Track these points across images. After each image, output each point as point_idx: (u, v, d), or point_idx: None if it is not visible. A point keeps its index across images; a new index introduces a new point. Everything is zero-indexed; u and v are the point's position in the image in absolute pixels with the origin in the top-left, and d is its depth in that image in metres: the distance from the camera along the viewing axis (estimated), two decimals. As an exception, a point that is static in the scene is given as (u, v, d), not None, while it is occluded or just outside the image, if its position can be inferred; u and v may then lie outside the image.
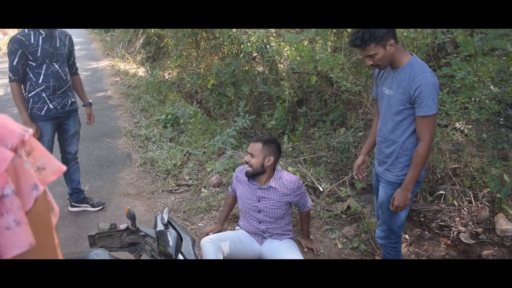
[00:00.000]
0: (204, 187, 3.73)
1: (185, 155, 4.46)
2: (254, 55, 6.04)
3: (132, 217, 2.12)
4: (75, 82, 3.29)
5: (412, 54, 2.10)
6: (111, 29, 13.36)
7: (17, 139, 0.65)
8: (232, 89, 5.84)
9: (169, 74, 8.28)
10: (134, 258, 2.23)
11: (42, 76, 2.92)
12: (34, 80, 2.91)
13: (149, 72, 8.10)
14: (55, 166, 0.75)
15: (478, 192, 3.53)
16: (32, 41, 2.83)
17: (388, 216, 2.30)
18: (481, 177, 3.61)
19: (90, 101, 3.49)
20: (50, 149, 3.10)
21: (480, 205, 3.42)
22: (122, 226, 2.19)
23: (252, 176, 2.56)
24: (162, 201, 3.52)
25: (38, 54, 2.85)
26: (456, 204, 3.49)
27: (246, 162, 2.55)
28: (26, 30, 2.84)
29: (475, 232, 3.26)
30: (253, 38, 4.95)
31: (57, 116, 3.07)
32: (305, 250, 2.80)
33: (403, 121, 2.10)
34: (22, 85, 2.96)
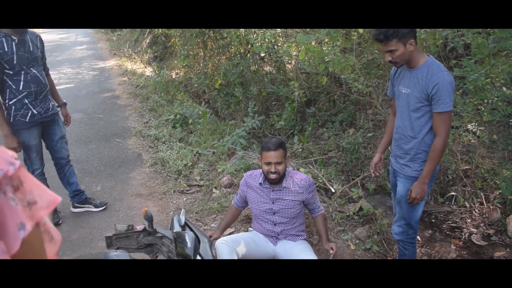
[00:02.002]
0: (215, 187, 3.75)
1: (195, 155, 4.48)
2: (262, 55, 6.06)
3: (149, 218, 2.15)
4: (48, 83, 3.17)
5: (428, 55, 2.19)
6: (118, 29, 13.40)
7: None
8: (240, 89, 5.86)
9: (177, 74, 8.31)
10: (150, 259, 2.26)
11: (22, 83, 2.84)
12: (14, 87, 2.83)
13: (157, 72, 8.13)
14: (47, 198, 0.67)
15: (490, 193, 3.52)
16: (6, 49, 2.72)
17: (407, 210, 2.38)
18: (492, 179, 3.60)
19: (65, 101, 3.41)
20: (40, 153, 3.08)
21: (491, 207, 3.42)
22: (139, 227, 2.21)
23: (279, 182, 2.55)
24: (174, 202, 3.55)
25: (15, 62, 2.77)
26: (467, 205, 3.49)
27: (273, 172, 2.49)
28: None
29: (486, 233, 3.26)
30: (261, 38, 4.96)
31: (42, 121, 3.01)
32: (331, 251, 2.53)
33: (420, 118, 2.21)
34: (1, 94, 2.87)
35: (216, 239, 2.64)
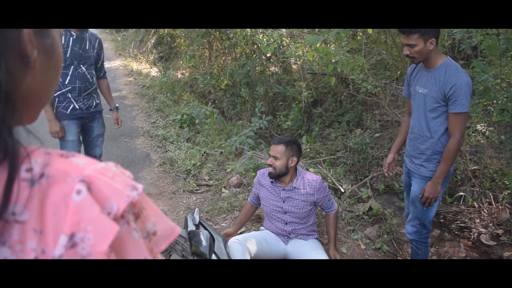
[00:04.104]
0: (224, 187, 3.77)
1: (202, 155, 4.51)
2: (268, 55, 6.08)
3: (164, 217, 2.16)
4: (102, 86, 3.28)
5: (446, 56, 2.21)
6: (123, 30, 13.43)
7: (124, 202, 0.50)
8: (247, 89, 5.88)
9: (182, 74, 8.33)
10: (163, 258, 2.28)
11: (69, 77, 2.92)
12: (60, 80, 2.89)
13: (162, 72, 8.16)
14: (167, 227, 0.58)
15: (498, 193, 3.53)
16: (62, 42, 2.81)
17: (421, 210, 2.40)
18: (500, 179, 3.61)
19: (117, 105, 3.48)
20: (76, 152, 3.09)
21: (500, 207, 3.42)
22: (153, 226, 2.23)
23: (276, 177, 2.58)
24: (184, 201, 3.57)
25: (67, 55, 2.85)
26: (476, 205, 3.50)
27: (270, 165, 2.56)
28: None
29: (495, 233, 3.27)
30: (267, 38, 4.98)
31: (81, 116, 3.06)
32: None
33: (437, 118, 2.22)
34: None
35: (232, 234, 2.69)
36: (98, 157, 3.34)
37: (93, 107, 3.13)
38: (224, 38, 6.74)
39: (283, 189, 2.60)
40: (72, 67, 2.91)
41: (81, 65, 2.96)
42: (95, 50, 3.08)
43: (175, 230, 0.58)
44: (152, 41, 10.43)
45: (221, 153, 4.52)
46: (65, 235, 0.46)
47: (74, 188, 0.48)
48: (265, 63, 6.21)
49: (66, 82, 2.93)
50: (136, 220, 0.53)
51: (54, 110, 2.98)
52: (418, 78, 2.30)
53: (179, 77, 8.10)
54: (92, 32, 3.07)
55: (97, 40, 3.12)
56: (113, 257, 0.49)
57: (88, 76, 3.02)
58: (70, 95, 2.96)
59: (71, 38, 2.87)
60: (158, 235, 0.56)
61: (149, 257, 0.53)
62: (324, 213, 2.76)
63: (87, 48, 2.97)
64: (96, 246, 0.47)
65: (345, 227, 3.15)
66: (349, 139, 4.54)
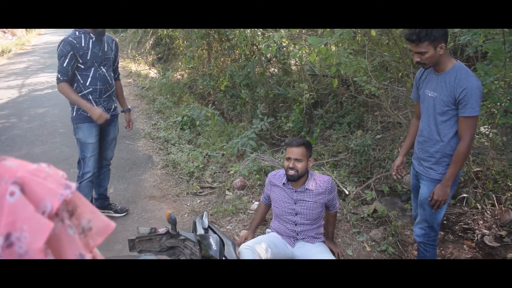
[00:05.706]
0: (228, 189, 3.77)
1: (204, 157, 4.50)
2: (268, 56, 6.08)
3: (173, 221, 2.17)
4: (117, 87, 3.28)
5: (456, 60, 2.21)
6: (120, 31, 13.41)
7: (58, 201, 0.53)
8: (247, 91, 5.88)
9: (181, 75, 8.32)
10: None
11: (89, 79, 2.93)
12: (81, 82, 2.92)
13: (161, 73, 8.14)
14: (101, 223, 0.61)
15: (501, 195, 3.55)
16: (82, 44, 2.85)
17: (430, 213, 2.41)
18: (503, 180, 3.63)
19: (129, 107, 3.48)
20: (95, 155, 3.10)
21: (503, 208, 3.44)
22: (162, 230, 2.23)
23: (296, 180, 2.57)
24: (188, 204, 3.56)
25: (88, 57, 2.86)
26: (479, 207, 3.52)
27: (291, 168, 2.54)
28: (77, 32, 2.85)
29: (499, 235, 3.29)
30: (270, 41, 4.98)
31: None
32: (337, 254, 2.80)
33: (447, 121, 2.23)
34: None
35: (249, 238, 2.70)
36: (109, 160, 3.35)
37: (111, 110, 3.14)
38: (224, 39, 6.74)
39: (295, 191, 2.61)
40: (93, 69, 2.93)
41: (102, 67, 2.98)
42: (113, 52, 3.11)
43: (110, 226, 0.61)
44: (150, 42, 10.42)
45: (222, 155, 4.51)
46: (1, 236, 0.48)
47: (8, 190, 0.50)
48: (265, 65, 6.22)
49: (87, 84, 2.94)
50: (71, 217, 0.56)
51: (74, 113, 3.01)
52: (428, 82, 2.31)
53: (178, 78, 8.09)
54: (108, 34, 3.08)
55: (114, 42, 3.15)
56: (49, 253, 0.50)
57: (108, 77, 3.04)
58: (91, 97, 2.97)
59: (91, 41, 2.89)
60: (94, 231, 0.59)
61: (84, 252, 0.55)
62: (326, 211, 2.77)
63: (105, 50, 2.99)
64: (32, 243, 0.48)
65: (350, 229, 3.16)
66: (350, 141, 4.56)
